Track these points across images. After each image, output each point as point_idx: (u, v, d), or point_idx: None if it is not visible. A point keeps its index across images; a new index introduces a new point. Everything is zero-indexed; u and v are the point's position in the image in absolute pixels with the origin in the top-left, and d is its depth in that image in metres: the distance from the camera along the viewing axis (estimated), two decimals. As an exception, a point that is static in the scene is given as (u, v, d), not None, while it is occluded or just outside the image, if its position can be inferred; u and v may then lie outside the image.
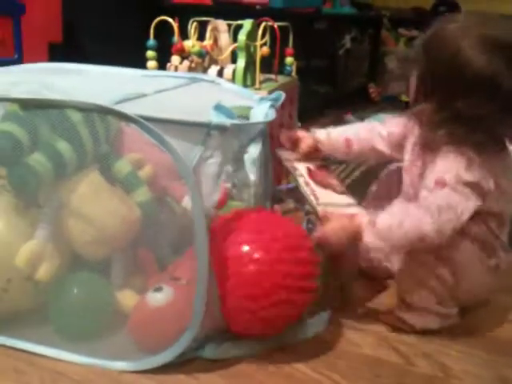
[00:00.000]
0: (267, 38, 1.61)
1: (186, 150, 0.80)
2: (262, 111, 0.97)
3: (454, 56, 0.91)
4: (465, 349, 0.99)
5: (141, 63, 1.52)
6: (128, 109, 0.80)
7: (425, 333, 1.02)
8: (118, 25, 1.99)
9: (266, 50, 1.61)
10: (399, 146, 1.11)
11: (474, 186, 0.93)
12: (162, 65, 1.63)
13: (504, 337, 1.04)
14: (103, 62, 1.22)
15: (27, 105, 0.86)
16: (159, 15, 1.63)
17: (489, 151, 0.94)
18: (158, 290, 0.91)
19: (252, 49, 1.57)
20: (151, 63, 1.58)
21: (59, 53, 1.70)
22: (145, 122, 0.78)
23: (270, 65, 1.70)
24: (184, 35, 1.65)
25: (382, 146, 1.14)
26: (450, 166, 0.93)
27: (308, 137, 1.17)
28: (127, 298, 0.97)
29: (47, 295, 0.95)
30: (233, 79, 1.52)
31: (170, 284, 0.93)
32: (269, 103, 0.99)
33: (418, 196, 0.97)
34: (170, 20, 1.56)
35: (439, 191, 0.92)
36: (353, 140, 1.17)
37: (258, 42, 1.53)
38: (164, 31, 1.69)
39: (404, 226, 0.93)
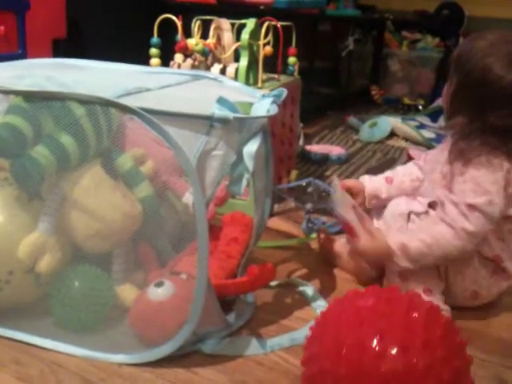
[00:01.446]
0: (270, 37, 1.61)
1: (189, 143, 0.81)
2: (263, 107, 0.98)
3: (486, 73, 0.99)
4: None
5: (144, 60, 1.53)
6: (130, 102, 0.81)
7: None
8: (121, 22, 2.00)
9: (268, 49, 1.62)
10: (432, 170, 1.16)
11: (500, 205, 1.00)
12: (166, 62, 1.63)
13: (504, 338, 1.05)
14: (106, 58, 1.23)
15: (31, 98, 0.87)
16: (163, 13, 1.64)
17: None
18: (159, 284, 0.92)
19: (255, 48, 1.58)
20: (154, 60, 1.58)
21: (63, 49, 1.71)
22: (146, 115, 0.78)
23: (273, 64, 1.70)
24: (187, 33, 1.65)
25: (420, 175, 1.21)
26: (480, 184, 0.99)
27: (361, 189, 1.24)
28: (127, 292, 0.98)
29: (48, 287, 0.95)
30: (235, 78, 1.52)
31: (171, 279, 0.94)
32: (271, 99, 1.00)
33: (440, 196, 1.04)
34: (174, 18, 1.56)
35: (469, 213, 0.99)
36: (393, 177, 1.24)
37: (261, 42, 1.54)
38: (168, 29, 1.69)
39: (433, 251, 1.01)
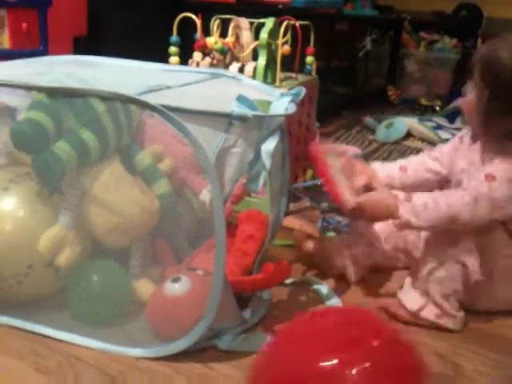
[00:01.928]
0: (289, 36, 1.62)
1: (208, 140, 0.81)
2: (282, 105, 0.98)
3: None
4: (477, 349, 1.00)
5: (163, 59, 1.54)
6: (151, 99, 0.82)
7: (438, 332, 1.03)
8: (142, 20, 2.01)
9: (287, 48, 1.62)
10: (451, 163, 1.14)
11: None
12: (184, 61, 1.65)
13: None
14: (126, 56, 1.24)
15: (53, 94, 0.88)
16: (182, 12, 1.65)
17: None
18: (176, 280, 0.93)
19: (273, 47, 1.58)
20: (173, 59, 1.59)
21: (83, 46, 1.73)
22: (167, 112, 0.79)
23: (291, 63, 1.71)
24: (206, 32, 1.66)
25: (437, 167, 1.18)
26: (504, 167, 0.98)
27: (366, 169, 1.16)
28: (144, 287, 0.99)
29: (67, 281, 0.97)
30: (253, 76, 1.53)
31: (188, 274, 0.95)
32: (289, 98, 1.00)
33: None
34: (194, 17, 1.57)
35: (487, 183, 0.97)
36: (406, 165, 1.20)
37: (280, 41, 1.54)
38: (187, 28, 1.70)
39: (439, 205, 0.97)
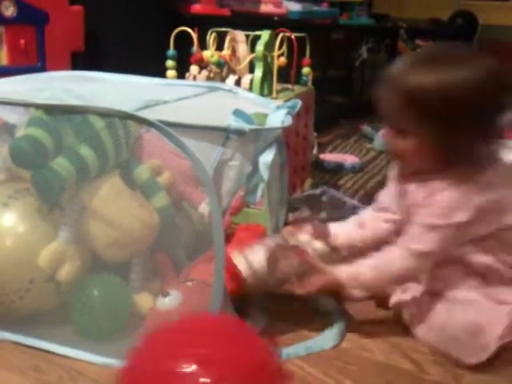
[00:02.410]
0: (284, 48, 1.63)
1: (206, 154, 0.83)
2: (278, 118, 0.99)
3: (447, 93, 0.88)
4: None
5: (161, 72, 1.56)
6: (148, 115, 0.83)
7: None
8: (138, 35, 2.03)
9: (282, 60, 1.63)
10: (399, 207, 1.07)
11: (464, 224, 0.94)
12: (181, 74, 1.66)
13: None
14: (124, 70, 1.25)
15: (51, 110, 0.89)
16: (178, 25, 1.66)
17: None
18: (166, 295, 0.94)
19: (269, 59, 1.60)
20: (170, 72, 1.61)
21: (81, 61, 1.74)
22: (165, 127, 0.80)
23: (287, 74, 1.72)
24: (202, 45, 1.68)
25: (389, 216, 1.10)
26: (442, 208, 0.94)
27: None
28: (145, 301, 1.00)
29: (67, 296, 0.97)
30: (250, 89, 1.55)
31: (179, 287, 0.96)
32: (285, 110, 1.01)
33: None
34: (190, 31, 1.59)
35: (424, 234, 0.95)
36: (364, 221, 1.14)
37: (276, 53, 1.56)
38: (183, 41, 1.72)
39: (381, 274, 0.97)
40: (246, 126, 0.85)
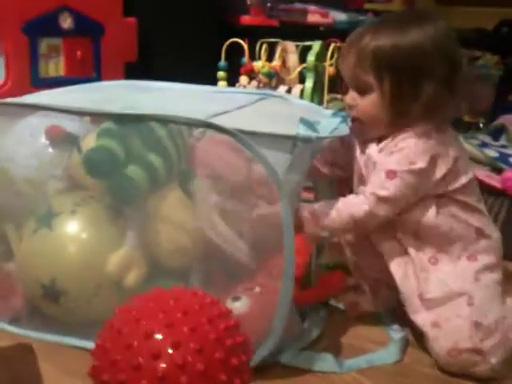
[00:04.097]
0: (335, 58, 1.64)
1: (276, 162, 0.85)
2: (331, 124, 0.99)
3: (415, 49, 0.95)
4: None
5: (211, 83, 1.58)
6: (223, 123, 0.85)
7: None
8: (189, 46, 2.06)
9: (332, 70, 1.64)
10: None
11: (425, 171, 0.95)
12: (231, 85, 1.68)
13: None
14: (175, 81, 1.28)
15: (121, 120, 0.92)
16: (228, 37, 1.69)
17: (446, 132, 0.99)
18: (236, 299, 0.95)
19: (319, 69, 1.61)
20: (221, 83, 1.64)
21: (134, 72, 1.78)
22: (243, 136, 0.83)
23: (335, 85, 1.73)
24: (252, 56, 1.70)
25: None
26: (404, 155, 0.95)
27: None
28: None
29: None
30: (300, 99, 1.56)
31: (246, 294, 0.97)
32: (339, 118, 1.02)
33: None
34: (241, 42, 1.61)
35: (387, 180, 0.95)
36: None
37: (328, 63, 1.57)
38: (232, 52, 1.74)
39: (341, 214, 0.97)
40: (313, 135, 0.87)
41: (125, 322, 0.73)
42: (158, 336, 0.69)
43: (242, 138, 0.83)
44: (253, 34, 1.89)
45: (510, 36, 3.66)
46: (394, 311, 1.11)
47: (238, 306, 0.93)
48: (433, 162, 0.95)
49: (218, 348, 0.70)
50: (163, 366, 0.67)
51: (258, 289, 0.98)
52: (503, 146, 2.50)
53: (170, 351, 0.68)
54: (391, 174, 0.95)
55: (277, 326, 0.89)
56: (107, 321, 0.76)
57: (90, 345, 0.95)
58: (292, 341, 0.96)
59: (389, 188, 0.95)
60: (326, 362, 0.95)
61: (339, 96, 1.71)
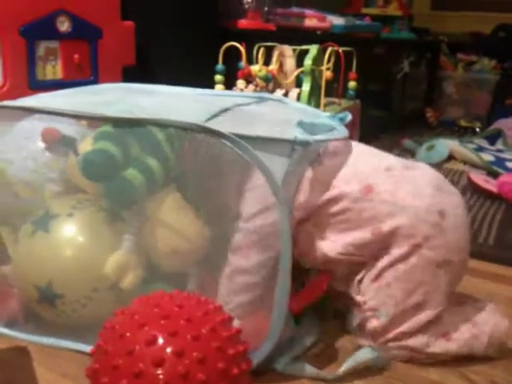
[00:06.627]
0: (332, 62, 1.65)
1: (274, 166, 0.84)
2: (328, 127, 0.99)
3: None
4: None
5: (207, 86, 1.58)
6: (219, 127, 0.85)
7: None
8: (186, 49, 2.07)
9: (329, 74, 1.65)
10: None
11: None
12: (228, 88, 1.69)
13: None
14: (172, 84, 1.28)
15: (119, 124, 0.92)
16: (225, 40, 1.70)
17: None
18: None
19: (316, 73, 1.61)
20: (219, 87, 1.64)
21: (132, 75, 1.78)
22: (241, 141, 0.82)
23: (332, 89, 1.74)
24: (249, 60, 1.70)
25: None
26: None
27: None
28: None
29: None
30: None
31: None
32: (337, 121, 1.02)
33: None
34: (238, 46, 1.62)
35: None
36: None
37: (324, 67, 1.57)
38: (229, 55, 1.75)
39: None
40: (311, 138, 0.87)
41: (127, 326, 0.73)
42: (161, 343, 0.69)
43: (239, 141, 0.83)
44: (250, 38, 1.90)
45: (507, 41, 3.68)
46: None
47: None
48: None
49: (220, 358, 0.70)
50: (165, 374, 0.67)
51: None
52: (499, 151, 2.52)
53: (173, 359, 0.68)
54: None
55: (275, 325, 0.89)
56: (108, 322, 0.76)
57: (86, 348, 0.96)
58: (287, 348, 0.95)
59: None
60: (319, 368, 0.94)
61: (336, 100, 1.72)
